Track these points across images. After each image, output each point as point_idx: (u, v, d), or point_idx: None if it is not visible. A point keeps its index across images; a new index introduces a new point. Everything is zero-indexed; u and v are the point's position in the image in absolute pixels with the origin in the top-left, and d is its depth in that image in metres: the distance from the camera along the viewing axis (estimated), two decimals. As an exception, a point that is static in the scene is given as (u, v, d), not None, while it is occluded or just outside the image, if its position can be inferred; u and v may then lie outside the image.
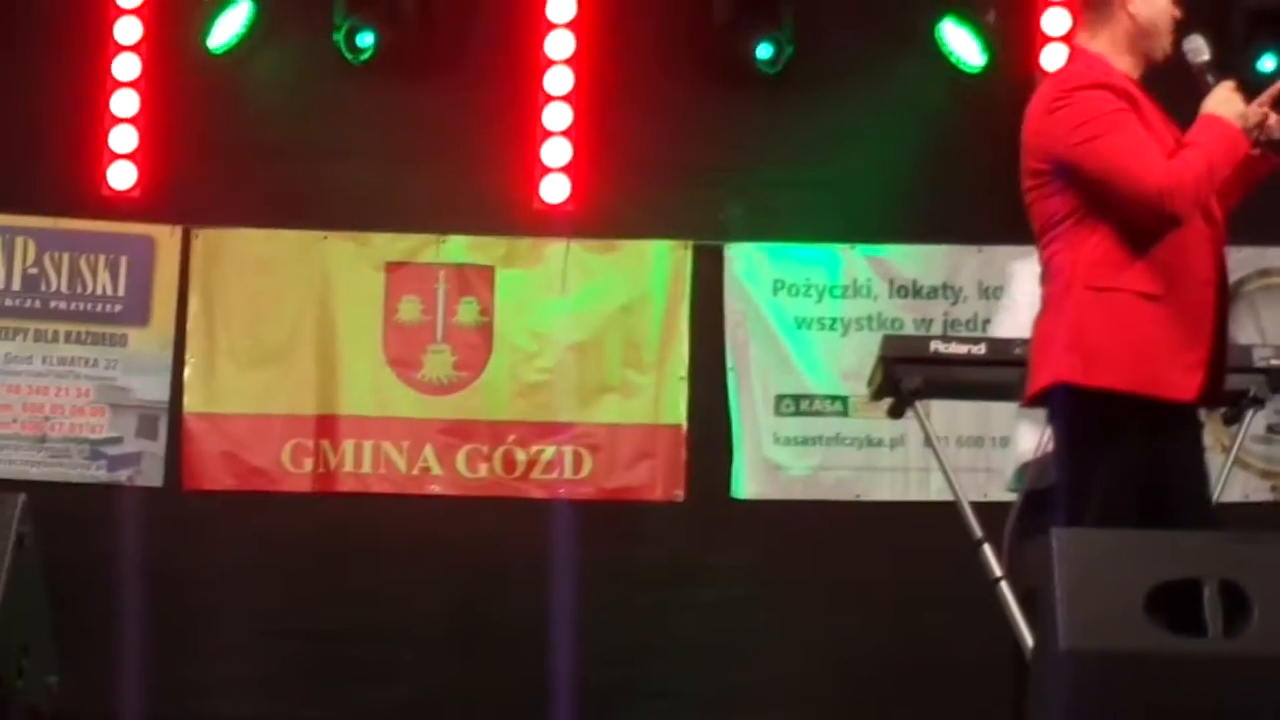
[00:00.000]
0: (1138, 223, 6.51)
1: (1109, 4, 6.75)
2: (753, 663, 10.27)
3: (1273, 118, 6.63)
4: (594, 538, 10.65)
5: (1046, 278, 6.79)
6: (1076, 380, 6.59)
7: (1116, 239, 6.58)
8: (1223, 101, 6.63)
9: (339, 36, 10.87)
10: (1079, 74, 6.69)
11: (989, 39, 11.02)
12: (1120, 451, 6.57)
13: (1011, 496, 8.63)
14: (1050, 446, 8.64)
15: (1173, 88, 6.64)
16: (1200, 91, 6.65)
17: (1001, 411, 9.50)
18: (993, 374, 8.29)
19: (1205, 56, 6.75)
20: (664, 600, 10.63)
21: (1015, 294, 9.34)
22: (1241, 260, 10.80)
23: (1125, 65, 6.73)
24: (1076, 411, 6.65)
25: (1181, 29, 6.75)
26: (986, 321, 10.27)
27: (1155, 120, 6.62)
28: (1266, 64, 11.01)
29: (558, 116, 11.05)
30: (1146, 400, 6.51)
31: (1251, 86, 6.78)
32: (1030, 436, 8.98)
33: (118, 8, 11.04)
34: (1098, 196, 6.55)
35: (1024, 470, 8.90)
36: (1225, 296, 6.73)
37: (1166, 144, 6.55)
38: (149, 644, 10.18)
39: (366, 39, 10.87)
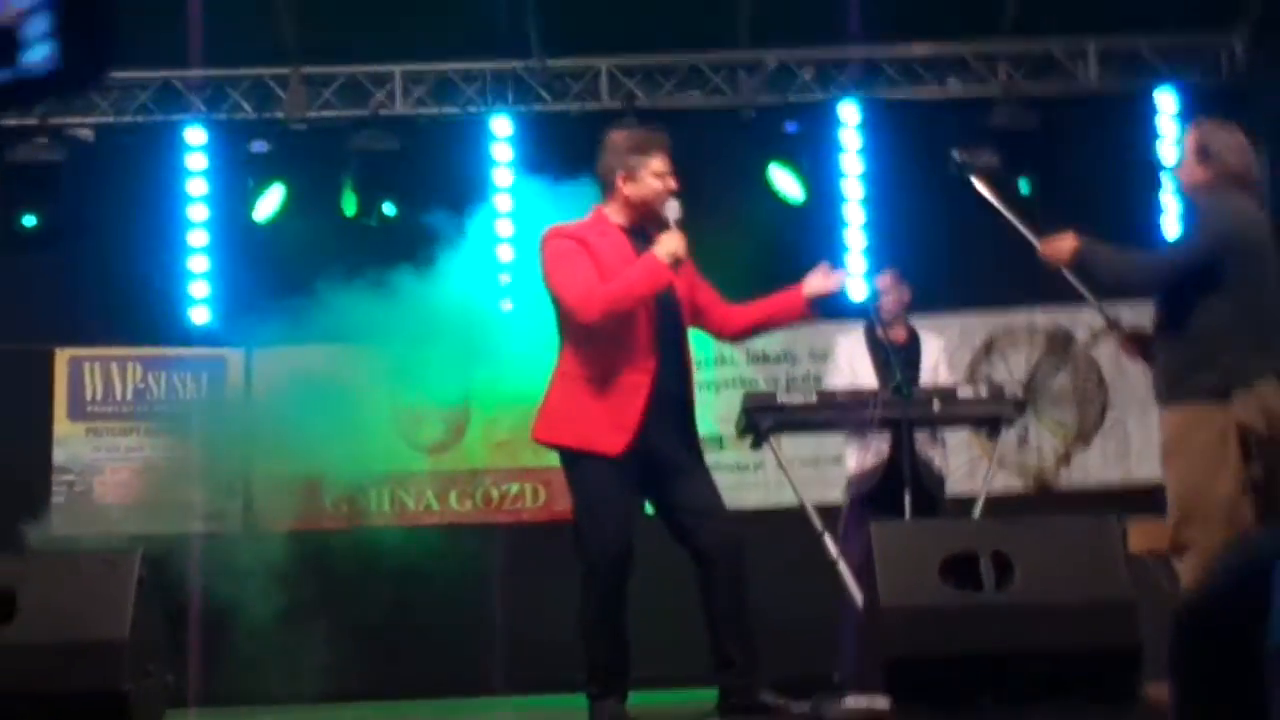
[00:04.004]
0: (577, 326, 6.75)
1: (613, 186, 6.92)
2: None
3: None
4: (550, 549, 10.32)
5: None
6: (541, 438, 6.88)
7: (584, 341, 6.75)
8: (663, 244, 6.73)
9: (355, 208, 10.95)
10: (558, 228, 6.91)
11: (806, 178, 11.05)
12: (582, 484, 6.77)
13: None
14: (868, 464, 8.74)
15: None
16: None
17: (831, 438, 9.56)
18: (821, 415, 8.34)
19: (676, 215, 6.83)
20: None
21: (838, 356, 9.42)
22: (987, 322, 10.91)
23: (622, 220, 6.90)
24: (561, 457, 6.87)
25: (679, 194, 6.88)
26: (817, 378, 10.18)
27: (611, 258, 6.76)
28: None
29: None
30: (583, 452, 6.68)
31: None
32: (853, 457, 9.04)
33: (190, 196, 11.08)
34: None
35: (850, 482, 8.95)
36: (677, 381, 6.85)
37: (616, 273, 6.72)
38: (236, 641, 10.12)
39: (390, 209, 10.90)
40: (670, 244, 6.72)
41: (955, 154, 7.94)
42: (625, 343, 6.74)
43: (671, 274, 6.72)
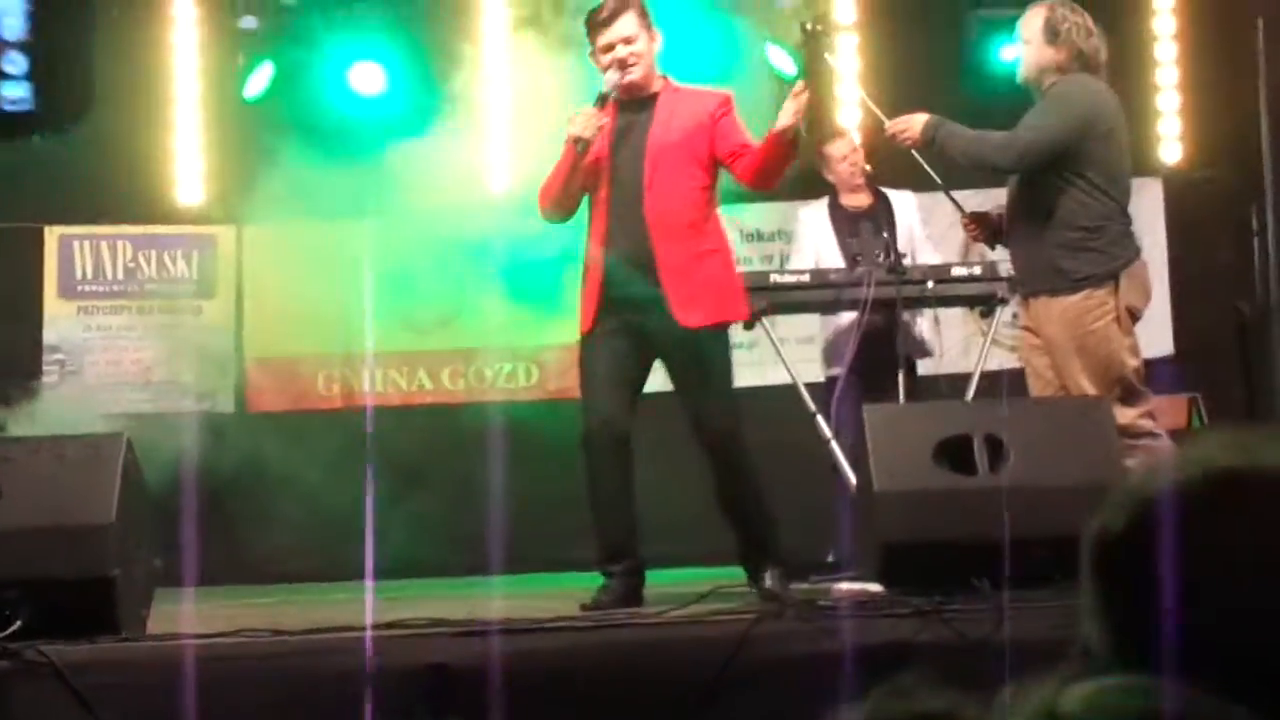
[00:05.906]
0: None
1: None
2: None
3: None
4: (545, 427, 10.21)
5: None
6: None
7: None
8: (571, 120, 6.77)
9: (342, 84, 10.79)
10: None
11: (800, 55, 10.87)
12: (578, 361, 7.05)
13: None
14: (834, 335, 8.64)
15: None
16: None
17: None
18: (813, 295, 8.31)
19: (606, 89, 6.76)
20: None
21: (800, 235, 9.25)
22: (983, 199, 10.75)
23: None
24: None
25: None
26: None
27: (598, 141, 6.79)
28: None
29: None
30: (581, 334, 6.94)
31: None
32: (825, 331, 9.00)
33: (179, 72, 10.91)
34: None
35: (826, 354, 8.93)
36: (640, 251, 6.76)
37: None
38: (225, 522, 10.21)
39: (380, 84, 10.78)
40: (573, 121, 6.74)
41: (805, 24, 7.86)
42: (591, 222, 6.87)
43: (572, 152, 6.72)
